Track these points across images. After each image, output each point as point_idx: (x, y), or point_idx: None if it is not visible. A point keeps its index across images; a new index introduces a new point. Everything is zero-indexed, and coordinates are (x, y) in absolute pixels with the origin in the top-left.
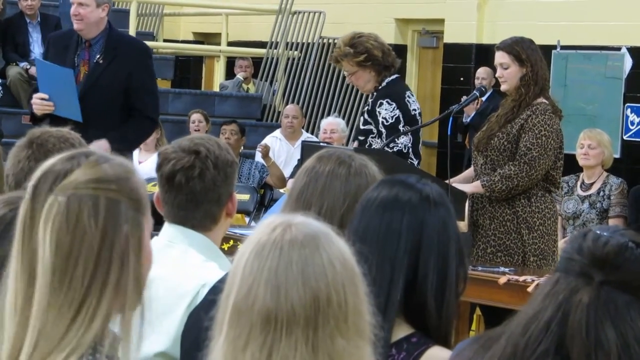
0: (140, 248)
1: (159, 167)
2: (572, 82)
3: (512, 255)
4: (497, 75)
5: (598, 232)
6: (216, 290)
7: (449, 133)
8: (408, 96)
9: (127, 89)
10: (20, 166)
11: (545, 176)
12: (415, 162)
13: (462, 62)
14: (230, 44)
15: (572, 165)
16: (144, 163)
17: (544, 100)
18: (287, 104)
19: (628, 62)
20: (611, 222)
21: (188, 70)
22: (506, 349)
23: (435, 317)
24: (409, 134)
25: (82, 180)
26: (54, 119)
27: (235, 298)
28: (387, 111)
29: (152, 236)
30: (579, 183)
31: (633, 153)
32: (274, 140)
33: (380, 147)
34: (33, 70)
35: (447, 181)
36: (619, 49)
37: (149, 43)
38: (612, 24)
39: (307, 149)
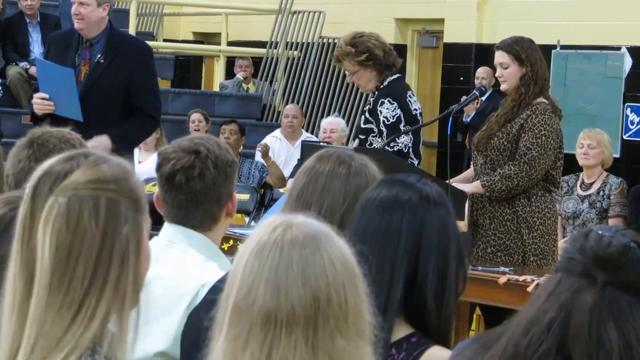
0: (139, 248)
1: (159, 167)
2: (572, 82)
3: (512, 255)
4: (496, 74)
5: (600, 232)
6: (216, 289)
7: (448, 133)
8: (409, 96)
9: (128, 88)
10: (21, 166)
11: (545, 176)
12: (416, 162)
13: (461, 61)
14: (230, 43)
15: (572, 165)
16: (144, 163)
17: (544, 100)
18: (287, 103)
19: (628, 62)
20: (611, 221)
21: (188, 70)
22: (507, 349)
23: (435, 317)
24: (410, 133)
25: (82, 181)
26: (55, 119)
27: (236, 297)
28: (388, 110)
29: (151, 236)
30: (578, 183)
31: (633, 153)
32: (274, 140)
33: (381, 146)
34: (33, 70)
35: (447, 181)
36: (618, 48)
37: (148, 43)
38: (612, 24)
39: (307, 149)
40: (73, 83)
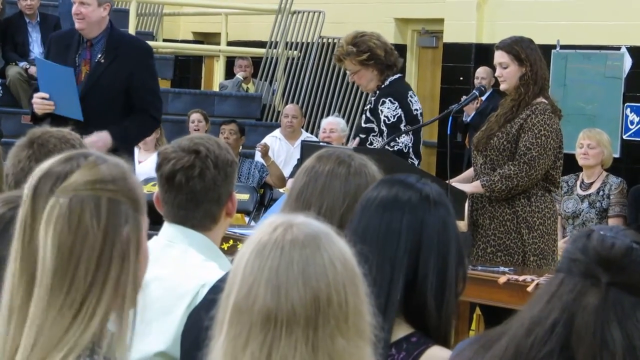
0: (139, 247)
1: (159, 167)
2: (572, 82)
3: (512, 255)
4: (496, 74)
5: (603, 233)
6: (216, 289)
7: (448, 133)
8: (410, 96)
9: (128, 88)
10: (21, 166)
11: (545, 176)
12: (416, 162)
13: (461, 61)
14: (229, 43)
15: (571, 165)
16: (144, 163)
17: (544, 100)
18: (286, 103)
19: (628, 62)
20: (611, 221)
21: (188, 70)
22: (508, 349)
23: (435, 316)
24: (410, 133)
25: (82, 182)
26: (55, 118)
27: (236, 297)
28: (389, 110)
29: (151, 236)
30: (578, 182)
31: (633, 152)
32: (274, 140)
33: (381, 145)
34: (33, 70)
35: (447, 181)
36: (618, 48)
37: (148, 43)
38: (612, 24)
39: (307, 149)
40: (73, 82)
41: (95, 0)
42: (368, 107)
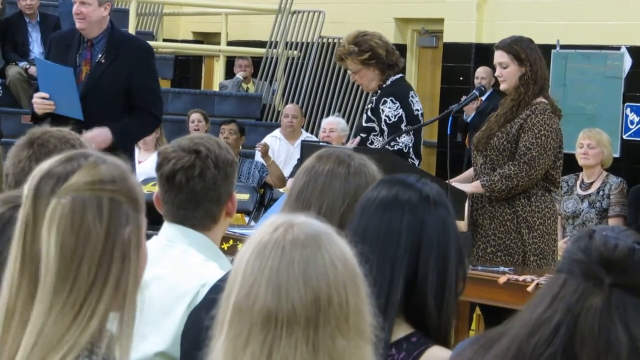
0: (139, 247)
1: (159, 167)
2: (572, 82)
3: (512, 255)
4: (496, 74)
5: (604, 233)
6: (217, 289)
7: (448, 133)
8: (412, 96)
9: (129, 88)
10: (21, 166)
11: (545, 176)
12: (416, 162)
13: (461, 61)
14: (229, 43)
15: (571, 165)
16: (144, 162)
17: (543, 100)
18: (286, 103)
19: (627, 62)
20: (611, 221)
21: (187, 69)
22: (510, 349)
23: (435, 316)
24: (411, 133)
25: (84, 182)
26: (55, 118)
27: (236, 297)
28: (390, 110)
29: (151, 236)
30: (578, 182)
31: (632, 152)
32: (274, 140)
33: (382, 145)
34: (32, 70)
35: (447, 181)
36: (618, 48)
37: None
38: (612, 24)
39: (307, 149)
40: (73, 82)
41: (95, 0)
42: (369, 106)
